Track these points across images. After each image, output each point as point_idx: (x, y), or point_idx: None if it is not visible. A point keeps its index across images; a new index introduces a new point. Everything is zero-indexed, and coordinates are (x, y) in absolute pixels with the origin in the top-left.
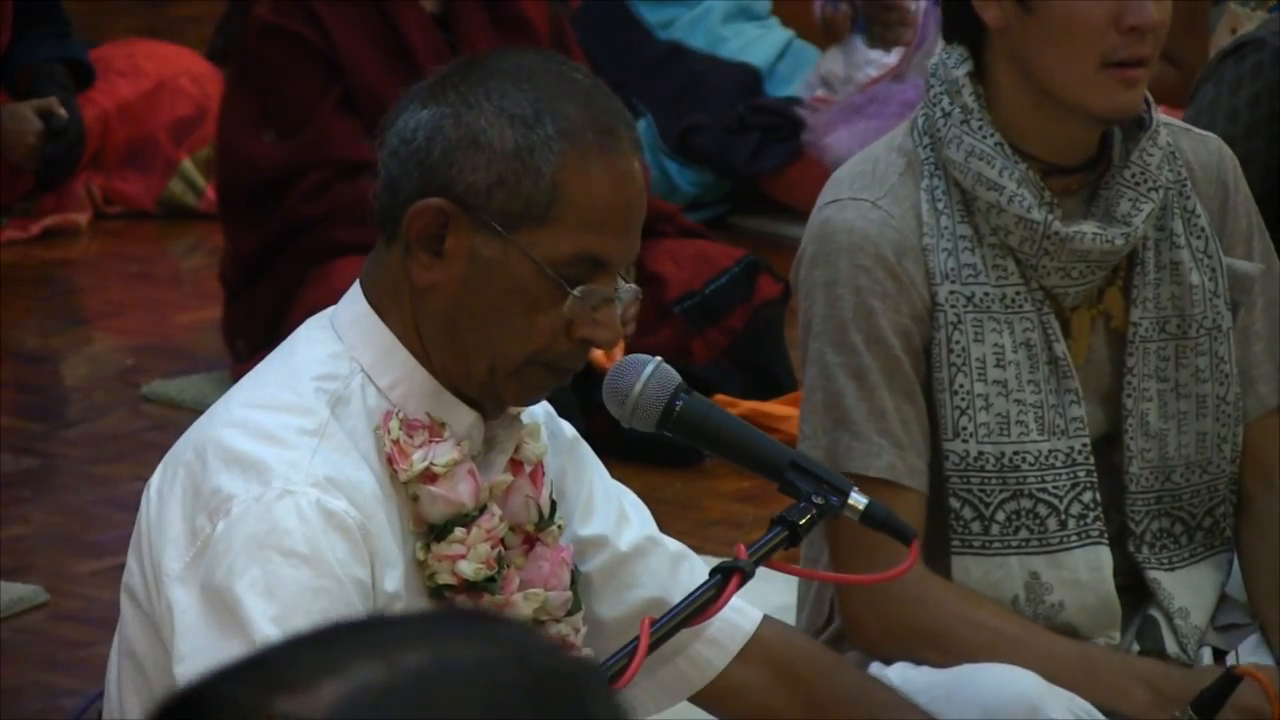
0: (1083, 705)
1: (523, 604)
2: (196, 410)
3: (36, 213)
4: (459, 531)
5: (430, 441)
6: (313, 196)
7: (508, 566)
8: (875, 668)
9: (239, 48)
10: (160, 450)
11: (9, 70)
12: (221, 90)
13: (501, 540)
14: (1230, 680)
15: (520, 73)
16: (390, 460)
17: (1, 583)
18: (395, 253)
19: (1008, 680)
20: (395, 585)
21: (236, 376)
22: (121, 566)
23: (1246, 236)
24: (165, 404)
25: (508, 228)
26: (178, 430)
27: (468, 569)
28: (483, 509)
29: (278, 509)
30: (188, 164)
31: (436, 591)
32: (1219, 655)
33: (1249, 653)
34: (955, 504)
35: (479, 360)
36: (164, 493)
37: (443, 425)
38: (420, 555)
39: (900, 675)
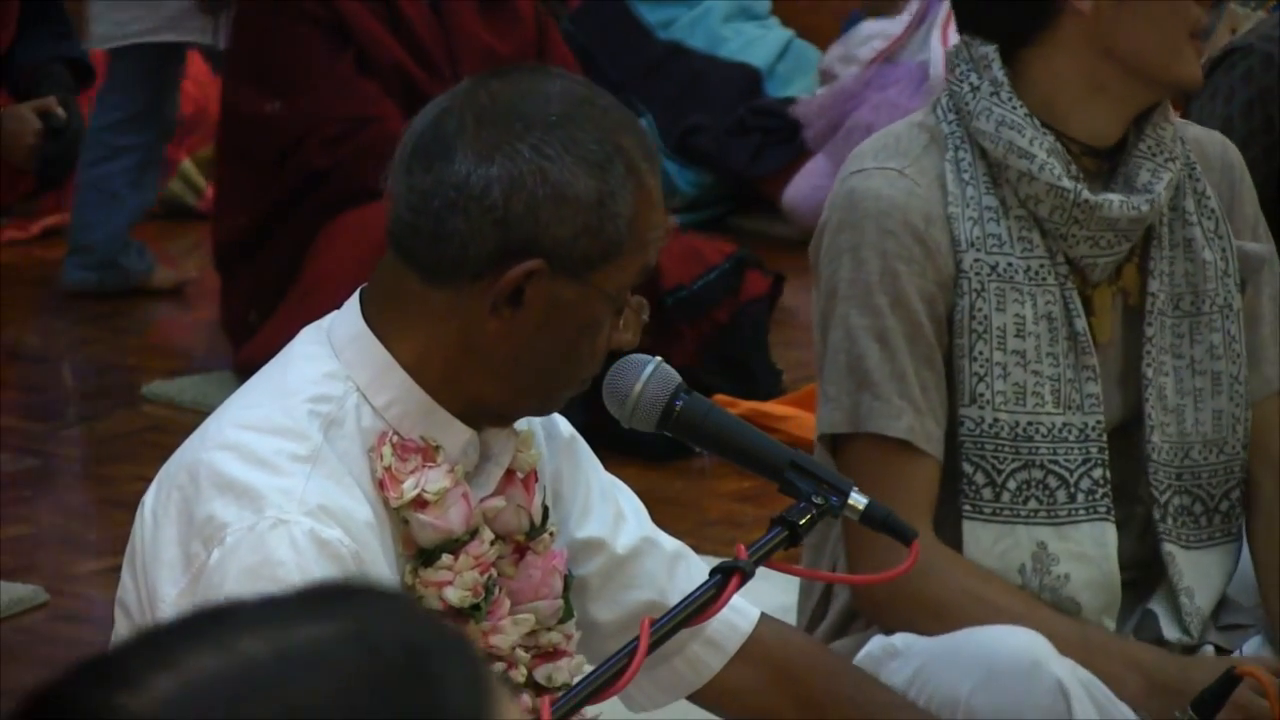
0: (1084, 674)
1: (511, 629)
2: (196, 410)
3: (36, 213)
4: (446, 558)
5: (423, 467)
6: (326, 147)
7: (497, 588)
8: (878, 636)
9: (236, 21)
10: (160, 450)
11: (9, 70)
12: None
13: (491, 564)
14: (1230, 680)
15: (577, 109)
16: (382, 486)
17: (1, 583)
18: (443, 295)
19: (1010, 637)
20: None
21: (246, 357)
22: (121, 567)
23: (1253, 224)
24: (165, 404)
25: (587, 270)
26: (178, 430)
27: (454, 596)
28: (473, 533)
29: (271, 539)
30: (188, 164)
31: None
32: (1221, 654)
33: (1252, 653)
34: (968, 469)
35: (535, 393)
36: (158, 514)
37: (437, 449)
38: (409, 579)
39: (904, 640)
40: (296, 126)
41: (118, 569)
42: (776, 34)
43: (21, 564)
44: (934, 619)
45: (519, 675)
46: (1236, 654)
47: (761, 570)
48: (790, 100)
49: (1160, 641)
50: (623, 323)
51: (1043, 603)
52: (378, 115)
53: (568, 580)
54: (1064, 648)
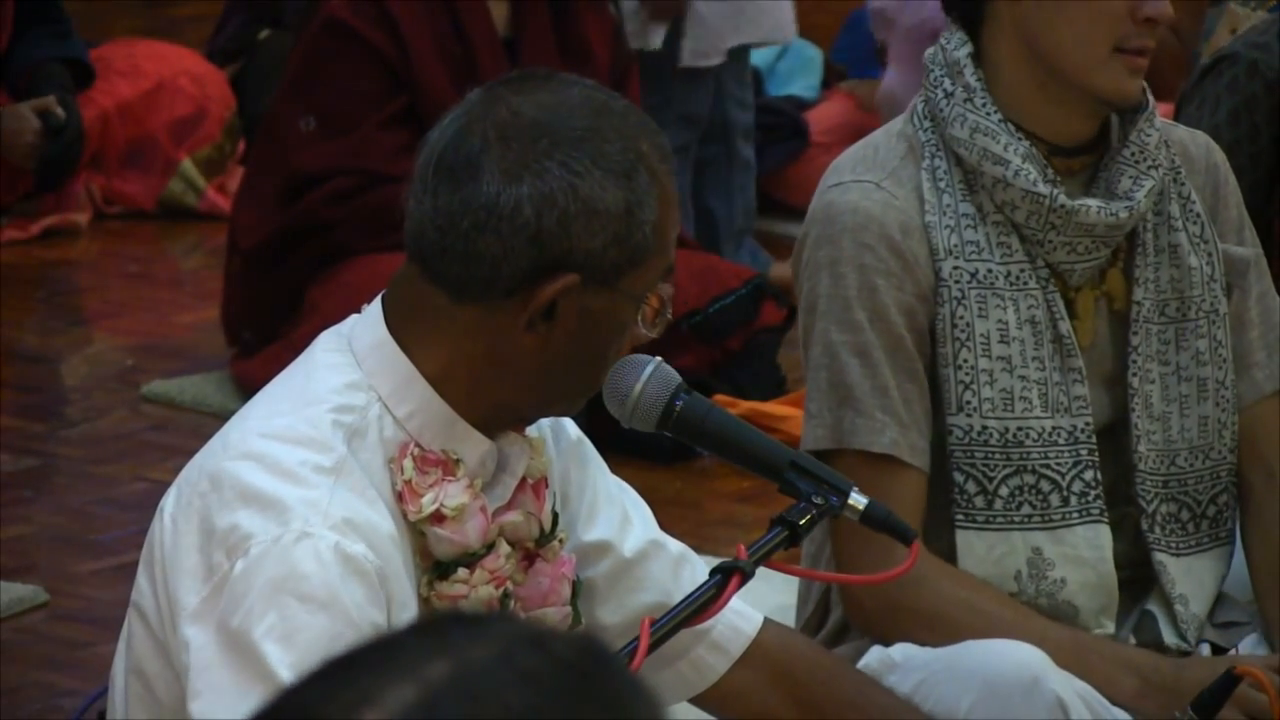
0: (1081, 685)
1: None
2: (196, 410)
3: (36, 213)
4: (462, 572)
5: (443, 480)
6: (335, 200)
7: (511, 601)
8: (876, 649)
9: (303, 36)
10: (160, 450)
11: (9, 70)
12: (223, 90)
13: (507, 579)
14: (1230, 680)
15: (599, 119)
16: (401, 499)
17: (1, 583)
18: (472, 312)
19: (1009, 652)
20: None
21: (240, 370)
22: (121, 567)
23: (1238, 226)
24: (165, 404)
25: (616, 277)
26: (178, 430)
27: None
28: (489, 548)
29: (296, 552)
30: (188, 164)
31: None
32: (1218, 652)
33: (1248, 650)
34: (959, 478)
35: (563, 398)
36: (178, 521)
37: (457, 462)
38: (424, 591)
39: (903, 653)
40: (315, 164)
41: (118, 569)
42: None
43: (21, 564)
44: (927, 629)
45: None
46: (1233, 652)
47: (761, 571)
48: (793, 99)
49: (1159, 646)
50: (642, 318)
51: (1035, 610)
52: (393, 175)
53: (576, 586)
54: (1058, 654)
